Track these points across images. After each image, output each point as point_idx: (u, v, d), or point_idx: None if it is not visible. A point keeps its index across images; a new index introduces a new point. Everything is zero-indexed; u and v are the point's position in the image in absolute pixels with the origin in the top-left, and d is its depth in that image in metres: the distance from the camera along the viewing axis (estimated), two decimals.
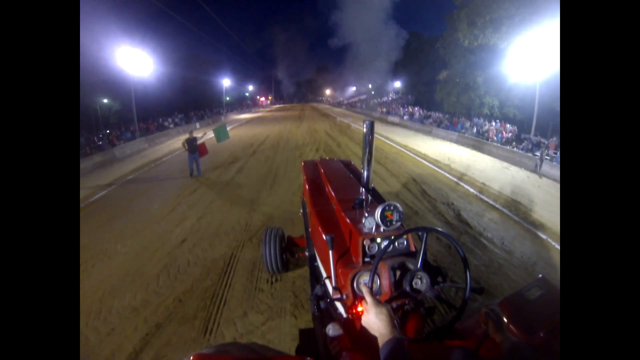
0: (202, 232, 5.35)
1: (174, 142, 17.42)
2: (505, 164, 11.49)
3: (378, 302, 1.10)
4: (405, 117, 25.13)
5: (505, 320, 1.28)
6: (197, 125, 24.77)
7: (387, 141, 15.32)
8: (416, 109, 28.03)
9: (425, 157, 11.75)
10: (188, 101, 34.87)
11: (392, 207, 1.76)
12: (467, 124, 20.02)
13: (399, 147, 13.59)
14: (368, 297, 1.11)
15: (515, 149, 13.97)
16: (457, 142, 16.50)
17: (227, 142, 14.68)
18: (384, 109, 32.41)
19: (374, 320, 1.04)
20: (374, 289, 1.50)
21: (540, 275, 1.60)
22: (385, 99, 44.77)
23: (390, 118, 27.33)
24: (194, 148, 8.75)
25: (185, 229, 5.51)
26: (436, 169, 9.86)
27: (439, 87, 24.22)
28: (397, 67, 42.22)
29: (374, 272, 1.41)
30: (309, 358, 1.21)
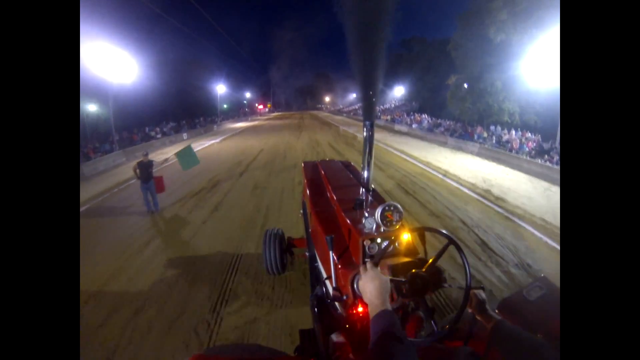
0: (133, 348, 3.11)
1: (156, 155, 15.31)
2: (545, 184, 9.37)
3: (378, 271, 1.11)
4: (414, 126, 23.11)
5: (486, 300, 1.25)
6: (185, 135, 22.51)
7: (405, 156, 13.16)
8: (424, 116, 26.10)
9: (457, 179, 9.54)
10: (183, 108, 33.21)
11: (392, 208, 1.76)
12: (485, 134, 18.07)
13: (420, 165, 11.39)
14: (369, 263, 1.14)
15: (548, 162, 11.99)
16: (479, 154, 14.48)
17: (211, 161, 12.53)
18: (388, 117, 30.47)
19: (368, 284, 1.05)
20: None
21: (542, 275, 1.56)
22: (387, 106, 43.05)
23: (397, 127, 25.30)
24: (148, 176, 6.36)
25: (108, 337, 3.26)
26: (479, 199, 7.69)
27: (450, 92, 22.32)
28: (398, 72, 40.69)
29: None
30: (309, 359, 1.28)
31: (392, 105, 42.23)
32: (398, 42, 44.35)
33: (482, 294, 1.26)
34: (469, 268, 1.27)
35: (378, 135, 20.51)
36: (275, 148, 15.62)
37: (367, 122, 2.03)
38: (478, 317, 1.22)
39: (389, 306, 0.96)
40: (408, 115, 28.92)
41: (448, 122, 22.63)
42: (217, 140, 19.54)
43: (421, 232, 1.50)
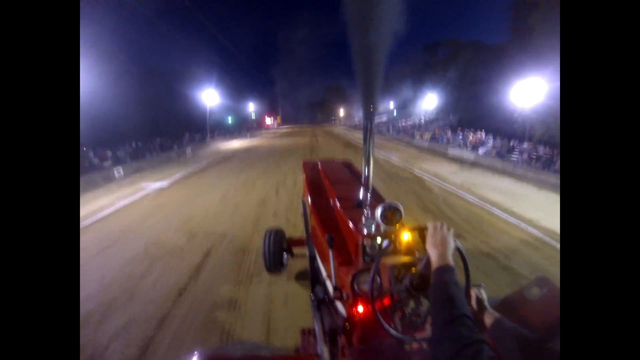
0: None
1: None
2: None
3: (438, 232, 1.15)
4: (481, 152, 15.70)
5: (485, 298, 1.26)
6: (119, 172, 13.75)
7: None
8: (480, 135, 18.78)
9: None
10: (174, 123, 27.60)
11: (392, 207, 1.76)
12: None
13: None
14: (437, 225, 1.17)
15: None
16: None
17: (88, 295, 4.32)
18: (427, 135, 23.25)
19: (445, 240, 1.10)
20: (375, 288, 1.44)
21: (541, 275, 1.54)
22: (415, 120, 36.05)
23: (452, 151, 17.81)
24: None
25: None
26: None
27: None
28: (425, 81, 34.06)
29: (374, 272, 1.35)
30: (310, 358, 1.29)
31: (422, 120, 35.04)
32: (417, 47, 38.51)
33: (482, 292, 1.28)
34: (468, 266, 1.30)
35: (440, 171, 13.03)
36: (258, 218, 6.71)
37: (367, 122, 2.07)
38: (478, 315, 1.22)
39: (452, 262, 1.02)
40: (454, 132, 21.62)
41: (525, 145, 15.33)
42: (165, 183, 11.24)
43: (421, 232, 1.43)
